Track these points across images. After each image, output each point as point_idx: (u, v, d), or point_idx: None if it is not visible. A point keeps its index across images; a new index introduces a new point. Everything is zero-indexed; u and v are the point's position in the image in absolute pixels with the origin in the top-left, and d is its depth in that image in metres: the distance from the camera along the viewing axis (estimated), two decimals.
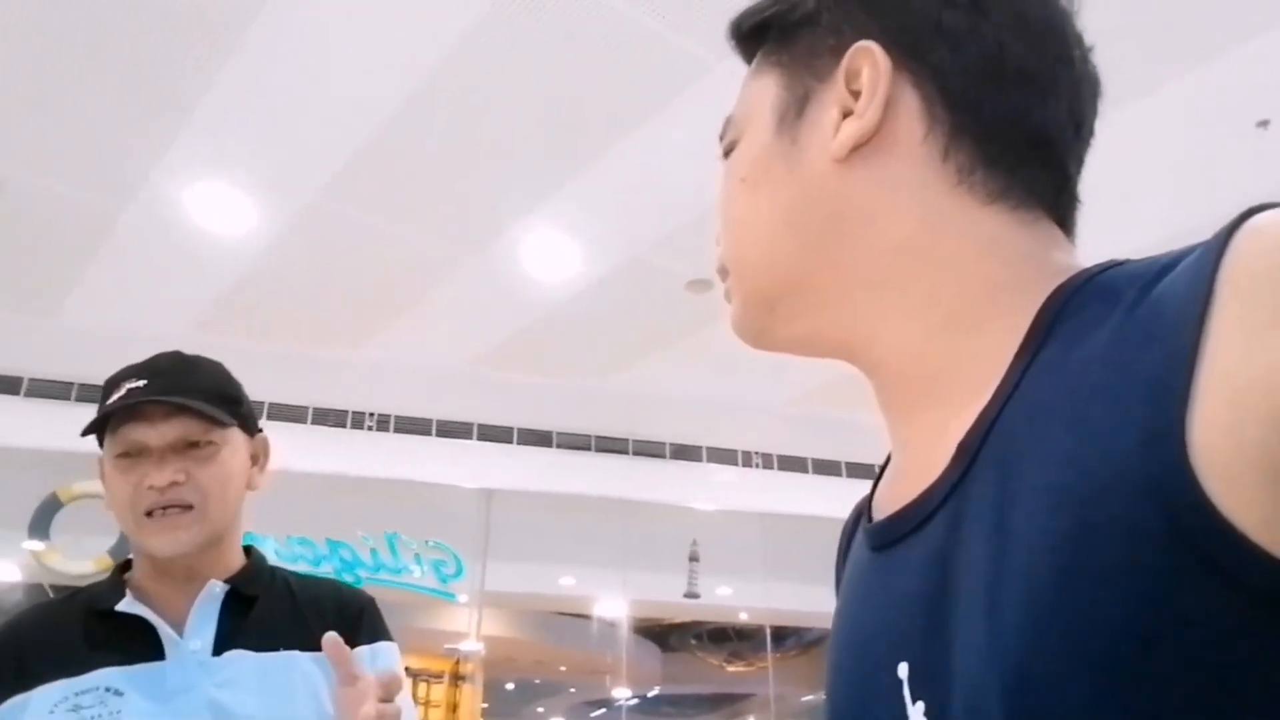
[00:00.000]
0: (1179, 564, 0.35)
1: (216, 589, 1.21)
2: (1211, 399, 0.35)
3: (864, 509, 0.58)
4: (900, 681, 0.46)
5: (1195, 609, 0.34)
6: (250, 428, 1.30)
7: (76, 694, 1.11)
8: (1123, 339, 0.40)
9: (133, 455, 1.18)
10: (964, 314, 0.50)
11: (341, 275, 4.34)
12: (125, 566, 1.27)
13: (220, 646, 1.18)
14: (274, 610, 1.24)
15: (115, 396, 1.19)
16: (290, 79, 3.15)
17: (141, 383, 1.19)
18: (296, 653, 1.20)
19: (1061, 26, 0.53)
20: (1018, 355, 0.46)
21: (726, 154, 0.59)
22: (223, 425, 1.22)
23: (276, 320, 4.67)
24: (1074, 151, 0.53)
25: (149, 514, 1.17)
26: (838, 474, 5.59)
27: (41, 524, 4.56)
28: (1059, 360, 0.44)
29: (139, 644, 1.15)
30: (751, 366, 4.42)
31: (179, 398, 1.19)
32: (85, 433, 1.20)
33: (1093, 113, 0.54)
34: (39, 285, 4.44)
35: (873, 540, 0.54)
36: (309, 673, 1.20)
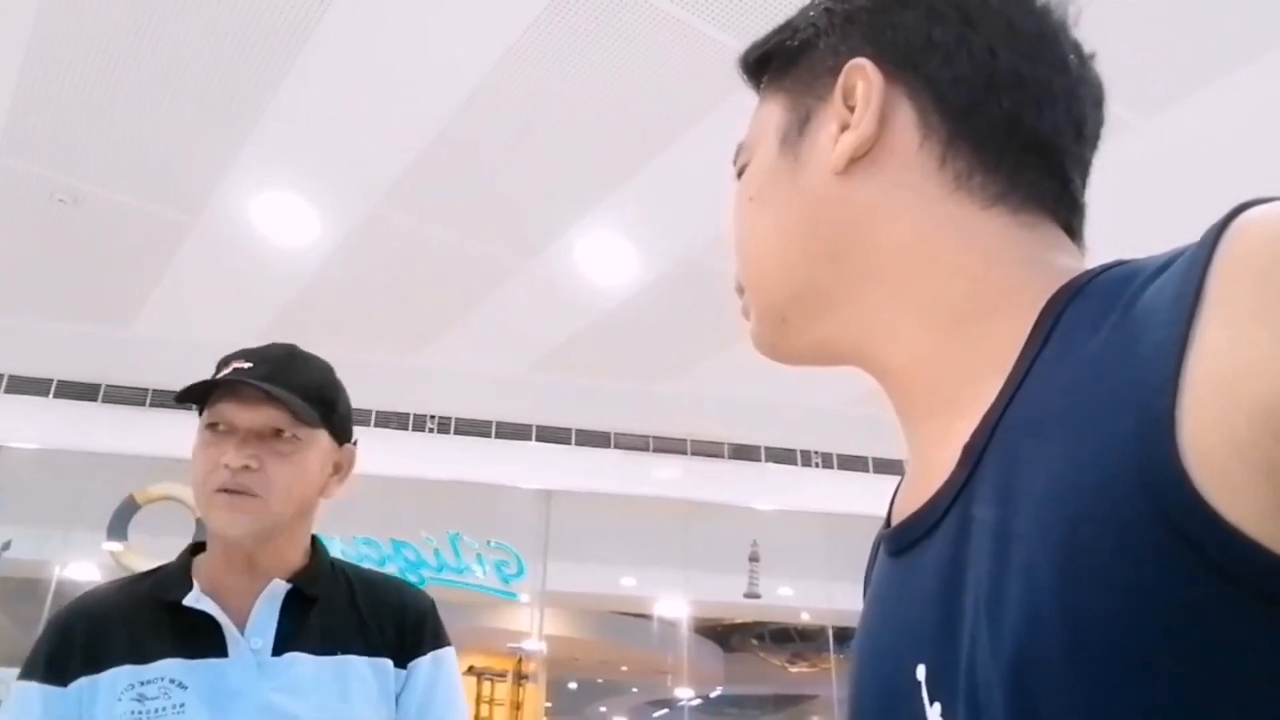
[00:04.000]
0: (1172, 559, 0.35)
1: (279, 588, 1.22)
2: (1200, 394, 0.35)
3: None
4: (919, 684, 0.47)
5: (1189, 604, 0.34)
6: (341, 435, 1.31)
7: (142, 682, 1.13)
8: (1118, 337, 0.40)
9: (220, 430, 1.20)
10: (968, 317, 0.50)
11: (402, 282, 4.42)
12: (196, 549, 1.28)
13: (280, 647, 1.19)
14: (334, 612, 1.25)
15: (222, 373, 1.22)
16: (347, 91, 3.22)
17: (248, 365, 1.21)
18: (353, 656, 1.21)
19: (1054, 34, 0.54)
20: (1020, 356, 0.47)
21: (740, 176, 0.61)
22: (309, 424, 1.23)
23: (339, 326, 4.77)
24: (1075, 156, 0.54)
25: (218, 491, 1.18)
26: (899, 473, 5.50)
27: (120, 525, 4.71)
28: (1059, 360, 0.44)
29: (202, 637, 1.17)
30: (809, 367, 4.38)
31: (276, 388, 1.20)
32: (181, 398, 1.21)
33: (1095, 118, 0.55)
34: (115, 296, 4.60)
35: (890, 546, 0.55)
36: (364, 676, 1.21)
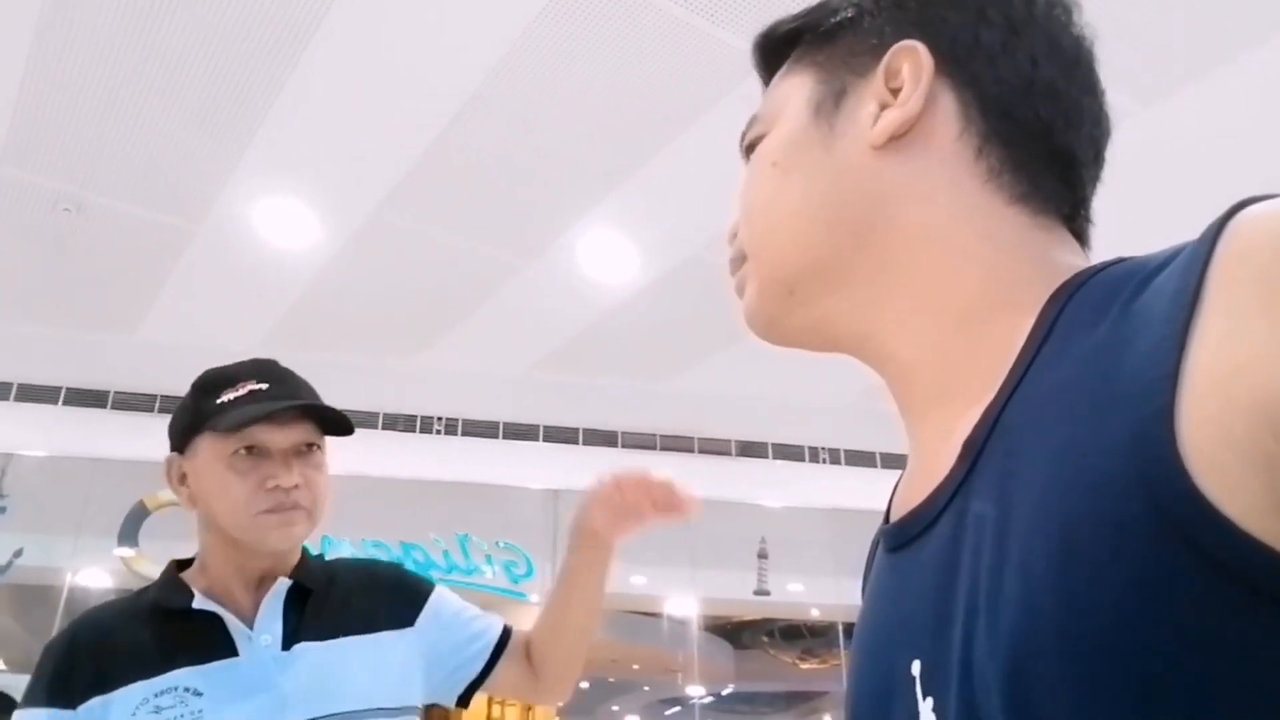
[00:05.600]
0: (1170, 554, 0.35)
1: (282, 585, 1.25)
2: (1198, 390, 0.35)
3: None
4: (914, 679, 0.47)
5: (1187, 599, 0.34)
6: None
7: (156, 695, 1.13)
8: (1118, 333, 0.40)
9: (253, 455, 1.21)
10: (978, 308, 0.51)
11: (405, 284, 4.42)
12: (180, 566, 1.30)
13: (288, 640, 1.22)
14: (327, 601, 1.29)
15: (236, 395, 1.22)
16: (347, 95, 3.23)
17: (263, 385, 1.23)
18: (352, 638, 1.26)
19: (1088, 59, 0.56)
20: (1022, 352, 0.47)
21: (749, 149, 0.61)
22: (325, 432, 1.29)
23: (344, 329, 4.78)
24: (1091, 175, 0.56)
25: (266, 512, 1.20)
26: (906, 468, 5.51)
27: (130, 531, 4.72)
28: (1059, 356, 0.44)
29: (211, 642, 1.19)
30: (816, 362, 4.37)
31: (307, 402, 1.25)
32: (226, 428, 1.18)
33: (1105, 147, 0.57)
34: (120, 303, 4.62)
35: (888, 542, 0.55)
36: (364, 655, 1.26)
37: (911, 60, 0.54)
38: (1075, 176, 0.54)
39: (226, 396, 1.22)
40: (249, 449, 1.21)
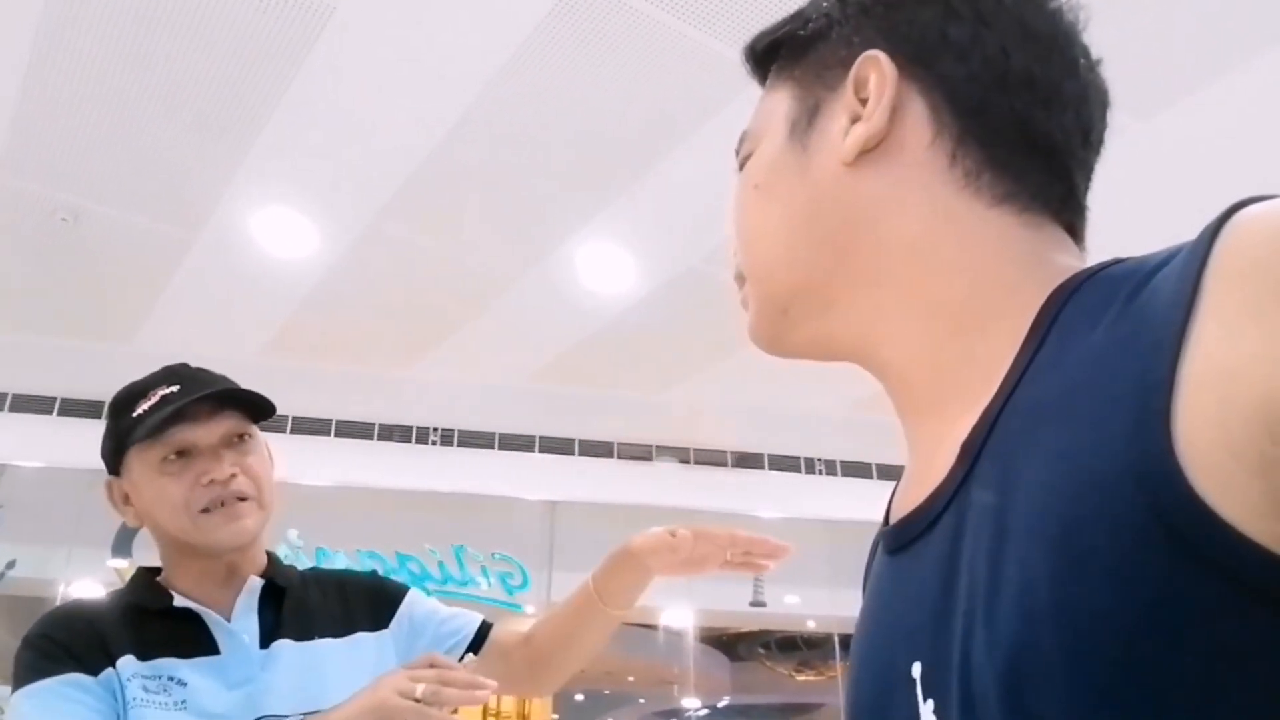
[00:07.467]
0: (1168, 557, 0.35)
1: (255, 583, 1.25)
2: (1195, 391, 0.35)
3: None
4: (914, 681, 0.47)
5: (1184, 600, 0.34)
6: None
7: (144, 676, 1.14)
8: (1115, 334, 0.40)
9: (182, 457, 1.20)
10: (970, 314, 0.50)
11: (402, 294, 4.42)
12: (150, 572, 1.29)
13: (265, 639, 1.22)
14: (301, 602, 1.29)
15: (150, 404, 1.21)
16: (345, 106, 3.23)
17: (175, 388, 1.22)
18: (329, 640, 1.26)
19: (1067, 37, 0.54)
20: (1019, 354, 0.47)
21: (742, 167, 0.61)
22: (254, 419, 1.27)
23: (340, 340, 4.77)
24: (1081, 160, 0.54)
25: (205, 510, 1.19)
26: (904, 472, 5.50)
27: (124, 543, 4.70)
28: (1056, 357, 0.44)
29: (193, 640, 1.19)
30: (811, 373, 4.36)
31: (218, 389, 1.23)
32: (142, 437, 1.18)
33: (1101, 124, 0.55)
34: (117, 313, 4.61)
35: (888, 544, 0.55)
36: (340, 656, 1.26)
37: (876, 71, 0.53)
38: (1061, 166, 0.53)
39: (141, 408, 1.21)
40: (178, 454, 1.20)
